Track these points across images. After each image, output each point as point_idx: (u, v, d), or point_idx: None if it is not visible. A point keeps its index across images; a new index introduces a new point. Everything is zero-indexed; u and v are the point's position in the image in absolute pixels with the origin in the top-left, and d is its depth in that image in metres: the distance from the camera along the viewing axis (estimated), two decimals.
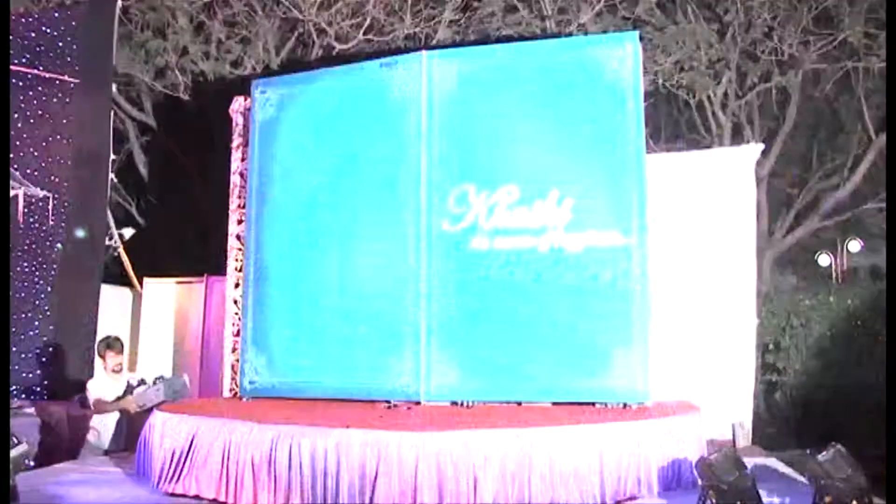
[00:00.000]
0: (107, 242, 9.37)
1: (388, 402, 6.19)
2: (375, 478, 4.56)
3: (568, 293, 5.97)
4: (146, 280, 9.61)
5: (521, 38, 8.87)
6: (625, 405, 5.64)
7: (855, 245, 12.57)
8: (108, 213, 9.40)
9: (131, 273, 9.73)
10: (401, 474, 4.54)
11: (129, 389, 6.53)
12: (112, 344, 6.74)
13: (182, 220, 11.10)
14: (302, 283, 6.77)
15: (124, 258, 9.69)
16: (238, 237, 7.27)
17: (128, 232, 9.83)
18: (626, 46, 6.14)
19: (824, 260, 12.94)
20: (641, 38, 6.41)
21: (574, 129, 6.13)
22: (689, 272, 6.69)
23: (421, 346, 6.24)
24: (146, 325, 9.51)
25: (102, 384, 6.61)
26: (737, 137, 10.13)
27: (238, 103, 7.42)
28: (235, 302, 7.21)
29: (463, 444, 4.57)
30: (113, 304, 9.90)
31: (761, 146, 7.35)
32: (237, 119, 7.40)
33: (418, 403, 6.14)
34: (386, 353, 6.33)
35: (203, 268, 9.10)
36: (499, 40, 8.98)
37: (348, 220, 6.66)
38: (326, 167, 6.81)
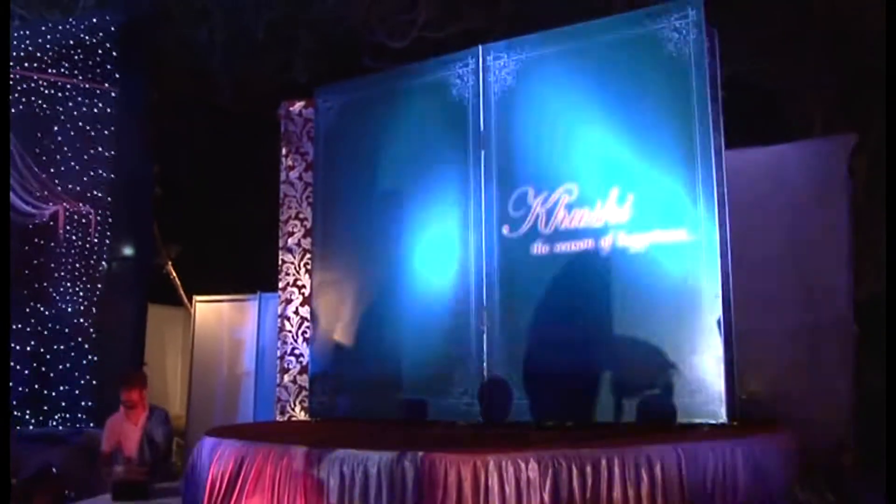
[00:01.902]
0: (154, 260, 9.57)
1: (452, 422, 6.17)
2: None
3: (634, 297, 5.77)
4: (196, 299, 9.77)
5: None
6: (702, 425, 5.37)
7: None
8: (155, 228, 9.60)
9: (181, 291, 9.91)
10: (461, 499, 4.50)
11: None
12: (124, 377, 6.72)
13: (232, 235, 11.29)
14: (370, 297, 6.81)
15: (173, 276, 9.88)
16: (290, 251, 7.35)
17: (176, 248, 10.03)
18: (687, 13, 5.84)
19: None
20: (714, 24, 6.25)
21: (636, 116, 5.93)
22: (779, 274, 6.52)
23: (485, 363, 6.21)
24: (198, 346, 9.66)
25: (119, 421, 6.61)
26: (828, 128, 9.85)
27: (285, 108, 7.52)
28: (288, 319, 7.28)
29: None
30: (162, 325, 10.12)
31: (855, 136, 7.12)
32: (286, 125, 7.50)
33: (482, 424, 6.10)
34: (451, 370, 6.32)
35: (255, 284, 9.22)
36: None
37: (414, 230, 6.70)
38: (391, 176, 6.87)
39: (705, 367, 5.42)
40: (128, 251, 8.95)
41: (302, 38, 10.15)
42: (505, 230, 6.31)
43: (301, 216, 7.44)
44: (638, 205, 5.82)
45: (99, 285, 8.75)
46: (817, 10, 9.05)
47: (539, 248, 6.18)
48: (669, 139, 5.74)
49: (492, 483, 4.53)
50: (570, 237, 6.08)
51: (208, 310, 9.78)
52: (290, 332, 7.29)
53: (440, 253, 6.54)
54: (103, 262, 8.80)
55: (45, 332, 8.57)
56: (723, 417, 5.32)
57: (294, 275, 7.33)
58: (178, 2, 10.16)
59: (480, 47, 6.60)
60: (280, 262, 7.42)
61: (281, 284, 7.42)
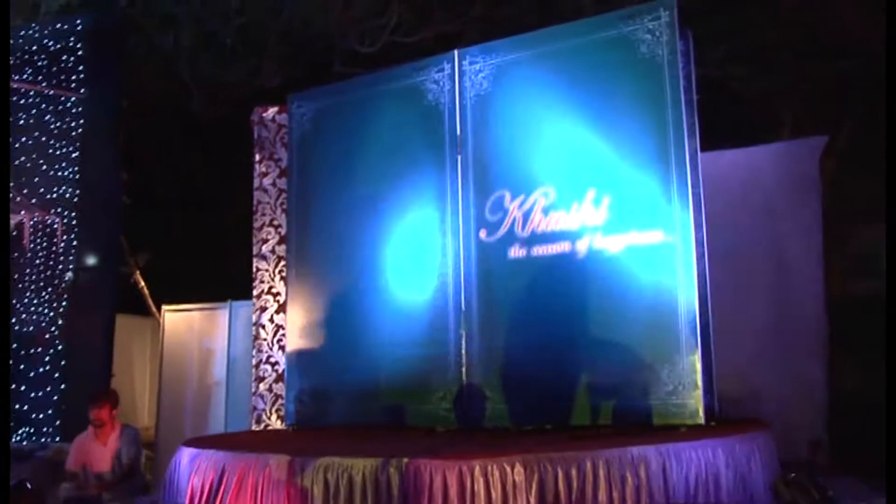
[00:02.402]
0: (122, 269, 9.50)
1: (431, 428, 6.21)
2: None
3: (611, 299, 5.84)
4: (165, 308, 9.71)
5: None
6: (679, 426, 5.43)
7: None
8: (123, 237, 9.52)
9: (149, 301, 9.85)
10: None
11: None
12: (93, 395, 6.60)
13: (202, 243, 11.23)
14: (346, 303, 6.84)
15: (141, 285, 9.82)
16: (264, 258, 7.36)
17: (144, 257, 9.97)
18: (660, 14, 5.95)
19: None
20: (688, 28, 6.34)
21: (611, 118, 6.01)
22: (754, 273, 6.65)
23: (463, 368, 6.25)
24: (167, 356, 9.60)
25: (87, 440, 6.49)
26: (797, 131, 10.03)
27: (258, 114, 7.52)
28: (263, 327, 7.28)
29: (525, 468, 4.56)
30: (130, 335, 10.03)
31: (825, 138, 7.27)
32: (259, 131, 7.50)
33: (462, 430, 6.15)
34: (429, 376, 6.37)
35: (226, 293, 9.18)
36: None
37: (391, 236, 6.74)
38: (366, 182, 6.90)
39: (682, 368, 5.49)
40: (94, 260, 8.85)
41: (272, 43, 10.15)
42: (482, 234, 6.37)
43: (275, 223, 7.45)
44: (614, 207, 5.90)
45: (65, 296, 8.66)
46: (787, 16, 9.23)
47: (516, 252, 6.24)
48: (644, 140, 5.82)
49: (478, 488, 4.58)
50: (547, 240, 6.14)
51: (177, 319, 9.70)
52: (265, 340, 7.29)
53: (418, 258, 6.59)
54: (69, 272, 8.70)
55: (10, 344, 8.45)
56: (700, 418, 5.39)
57: (269, 282, 7.33)
58: (146, 8, 10.12)
59: (456, 52, 6.65)
60: (254, 270, 7.41)
61: (255, 292, 7.41)
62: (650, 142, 5.79)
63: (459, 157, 6.44)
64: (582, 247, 5.99)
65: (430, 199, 6.58)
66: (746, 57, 9.35)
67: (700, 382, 5.42)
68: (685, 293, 5.54)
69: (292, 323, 6.99)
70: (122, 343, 9.29)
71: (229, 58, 10.43)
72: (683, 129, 5.68)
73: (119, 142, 9.17)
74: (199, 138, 10.99)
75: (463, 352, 6.27)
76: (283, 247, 7.28)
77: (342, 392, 6.74)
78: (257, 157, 7.50)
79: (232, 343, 9.27)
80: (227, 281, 9.20)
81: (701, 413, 5.38)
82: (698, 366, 5.43)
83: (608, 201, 5.93)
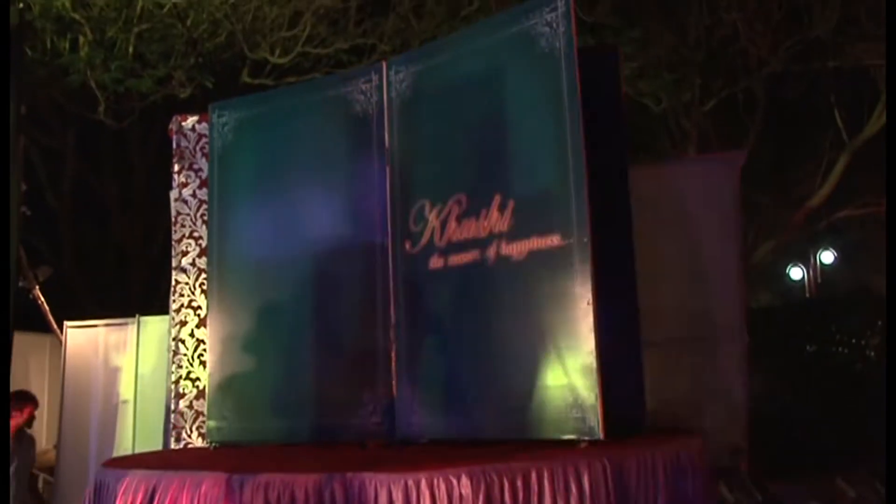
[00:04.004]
0: (20, 284, 9.14)
1: (361, 443, 6.16)
2: None
3: (517, 308, 5.63)
4: (67, 324, 9.38)
5: None
6: (577, 441, 5.17)
7: (828, 256, 13.01)
8: (20, 250, 9.16)
9: (49, 317, 9.50)
10: None
11: None
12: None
13: (100, 256, 10.90)
14: (270, 317, 6.68)
15: (41, 300, 9.45)
16: (184, 271, 7.19)
17: (45, 271, 9.60)
18: (557, 4, 5.57)
19: (796, 273, 13.38)
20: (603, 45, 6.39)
21: (516, 118, 5.78)
22: (677, 284, 6.84)
23: (393, 382, 6.20)
24: (70, 375, 9.27)
25: None
26: (702, 146, 10.43)
27: (177, 123, 7.35)
28: (183, 342, 7.11)
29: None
30: (27, 353, 9.63)
31: (744, 152, 7.56)
32: (178, 141, 7.33)
33: (391, 443, 6.09)
34: (359, 390, 6.28)
35: (128, 307, 8.95)
36: None
37: (316, 247, 6.61)
38: (291, 194, 6.76)
39: (579, 380, 5.21)
40: None
41: (180, 52, 9.94)
42: (407, 246, 6.29)
43: (196, 235, 7.27)
44: (518, 211, 5.65)
45: None
46: (695, 36, 9.60)
47: (435, 263, 6.10)
48: (544, 140, 5.54)
49: (424, 501, 4.57)
50: (461, 249, 5.97)
51: (81, 335, 9.40)
52: (185, 355, 7.09)
53: (344, 272, 6.48)
54: None
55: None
56: (597, 433, 5.08)
57: (189, 296, 7.14)
58: (43, 12, 9.77)
59: (384, 63, 6.61)
60: (174, 283, 7.22)
61: (175, 306, 7.20)
62: (548, 141, 5.51)
63: (388, 169, 6.40)
64: (491, 254, 5.78)
65: (357, 211, 6.50)
66: (655, 74, 9.66)
67: (596, 395, 5.11)
68: (581, 300, 5.26)
69: (214, 338, 6.81)
70: (17, 361, 8.89)
71: (134, 65, 10.15)
72: (578, 124, 5.34)
73: (18, 150, 8.79)
74: (99, 148, 10.64)
75: (392, 366, 6.20)
76: (203, 259, 7.11)
77: (267, 408, 6.59)
78: (176, 168, 7.32)
79: (140, 360, 9.02)
80: (136, 295, 8.94)
81: (599, 427, 5.08)
82: (594, 378, 5.13)
83: (512, 206, 5.68)
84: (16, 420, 7.50)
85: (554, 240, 5.45)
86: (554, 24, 5.57)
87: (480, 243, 5.87)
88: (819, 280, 13.16)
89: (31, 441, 8.08)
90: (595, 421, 5.11)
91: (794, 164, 11.63)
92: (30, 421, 7.95)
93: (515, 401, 5.58)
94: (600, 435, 5.08)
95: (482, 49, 6.07)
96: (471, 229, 5.93)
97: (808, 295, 12.88)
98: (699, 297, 6.94)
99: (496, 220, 5.79)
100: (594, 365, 5.17)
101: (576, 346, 5.27)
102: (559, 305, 5.40)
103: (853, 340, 8.61)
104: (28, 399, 8.01)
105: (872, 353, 8.02)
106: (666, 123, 10.46)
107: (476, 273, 5.90)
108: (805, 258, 13.15)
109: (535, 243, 5.56)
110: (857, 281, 12.43)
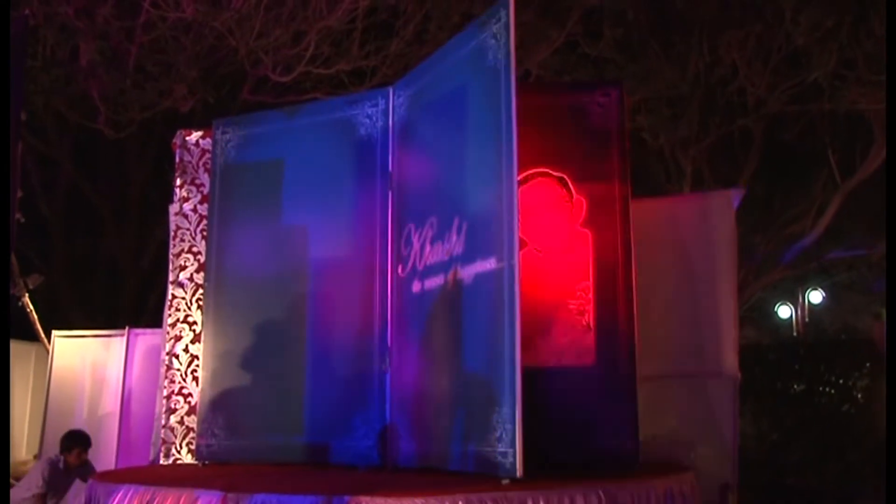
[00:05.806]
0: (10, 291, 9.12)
1: (353, 466, 6.19)
2: None
3: (466, 333, 5.46)
4: (55, 333, 9.36)
5: None
6: (498, 478, 4.85)
7: (817, 296, 13.15)
8: (12, 258, 9.16)
9: (38, 326, 9.48)
10: None
11: None
12: None
13: (91, 266, 10.89)
14: (267, 336, 6.72)
15: (30, 308, 9.44)
16: (181, 285, 7.21)
17: (34, 279, 9.58)
18: (501, 16, 5.33)
19: (784, 311, 13.51)
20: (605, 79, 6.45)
21: (470, 138, 5.64)
22: (673, 321, 6.91)
23: (387, 405, 6.25)
24: (55, 385, 9.25)
25: None
26: (696, 182, 10.56)
27: (181, 137, 7.40)
28: (177, 357, 7.12)
29: None
30: (12, 361, 9.57)
31: (742, 190, 7.66)
32: (181, 155, 7.38)
33: (385, 467, 6.13)
34: (353, 412, 6.33)
35: (117, 319, 8.95)
36: None
37: (316, 270, 6.68)
38: (292, 214, 6.83)
39: (504, 414, 4.90)
40: None
41: (181, 65, 10.00)
42: (399, 270, 6.36)
43: (194, 250, 7.29)
44: (469, 235, 5.52)
45: None
46: (694, 73, 9.77)
47: (416, 286, 6.14)
48: (488, 160, 5.31)
49: None
50: (431, 273, 5.96)
51: (68, 346, 9.38)
52: (178, 370, 7.10)
53: (342, 294, 6.54)
54: None
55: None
56: (516, 471, 4.75)
57: (185, 311, 7.16)
58: (46, 18, 9.80)
59: (391, 89, 6.71)
60: (170, 297, 7.23)
61: (170, 320, 7.21)
62: (491, 162, 5.27)
63: (390, 193, 6.47)
64: (450, 278, 5.70)
65: (356, 234, 6.58)
66: (654, 108, 9.81)
67: (518, 432, 4.74)
68: (509, 327, 4.93)
69: (208, 354, 6.84)
70: None
71: (135, 77, 10.20)
72: (512, 142, 5.06)
73: (17, 157, 8.80)
74: (95, 157, 10.66)
75: (386, 389, 6.26)
76: (201, 275, 7.14)
77: (259, 427, 6.62)
78: (178, 182, 7.36)
79: (128, 373, 9.02)
80: (120, 307, 8.95)
81: (516, 465, 4.75)
82: (517, 413, 4.78)
83: (466, 228, 5.55)
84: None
85: (491, 263, 5.25)
86: (499, 36, 5.34)
87: (444, 267, 5.81)
88: (807, 319, 13.30)
89: None
90: (513, 460, 4.76)
91: (787, 204, 11.78)
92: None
93: (457, 434, 5.37)
94: (517, 473, 4.71)
95: (452, 67, 5.95)
96: (438, 252, 5.90)
97: (795, 334, 12.99)
98: (692, 333, 7.01)
99: (455, 242, 5.70)
100: (517, 400, 4.78)
101: (503, 380, 4.90)
102: (493, 333, 5.06)
103: (840, 381, 8.71)
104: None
105: (860, 396, 8.11)
106: (662, 158, 10.59)
107: (441, 297, 5.89)
108: (794, 297, 13.30)
109: (479, 266, 5.39)
110: (844, 322, 12.57)
